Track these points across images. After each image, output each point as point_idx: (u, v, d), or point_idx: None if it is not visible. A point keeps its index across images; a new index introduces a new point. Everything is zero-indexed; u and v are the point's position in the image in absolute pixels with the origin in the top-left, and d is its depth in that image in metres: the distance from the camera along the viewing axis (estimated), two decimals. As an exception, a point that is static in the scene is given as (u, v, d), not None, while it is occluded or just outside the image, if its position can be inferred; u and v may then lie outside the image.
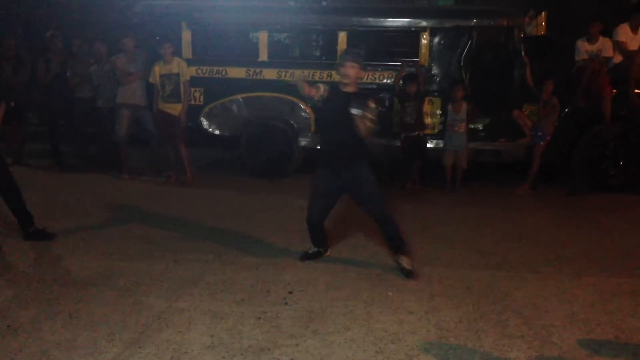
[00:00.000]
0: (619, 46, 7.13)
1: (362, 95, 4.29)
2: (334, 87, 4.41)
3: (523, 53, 7.00)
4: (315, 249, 4.76)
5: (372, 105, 4.10)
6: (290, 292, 4.10)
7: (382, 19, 7.30)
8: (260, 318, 3.70)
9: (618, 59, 7.22)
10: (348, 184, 4.41)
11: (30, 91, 8.13)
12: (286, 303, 3.93)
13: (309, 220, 4.59)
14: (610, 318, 3.77)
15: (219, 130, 7.77)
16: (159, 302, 3.89)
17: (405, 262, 4.49)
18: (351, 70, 4.20)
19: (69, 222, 5.61)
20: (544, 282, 4.36)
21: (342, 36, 7.26)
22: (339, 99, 4.24)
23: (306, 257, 4.73)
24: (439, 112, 7.30)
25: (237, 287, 4.18)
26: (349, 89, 4.27)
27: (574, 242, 5.35)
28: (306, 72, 7.17)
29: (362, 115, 4.05)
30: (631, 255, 5.00)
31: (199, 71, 7.63)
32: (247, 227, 5.61)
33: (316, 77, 7.23)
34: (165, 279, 4.30)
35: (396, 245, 4.56)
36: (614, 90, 6.94)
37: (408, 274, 4.41)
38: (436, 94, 7.32)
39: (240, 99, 7.62)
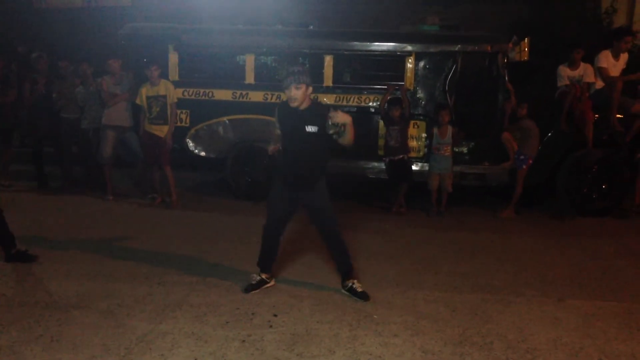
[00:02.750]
0: (600, 72, 7.24)
1: (319, 108, 4.34)
2: (285, 104, 4.36)
3: (506, 78, 7.11)
4: (258, 278, 4.58)
5: (334, 117, 4.13)
6: (275, 315, 4.08)
7: (368, 43, 7.38)
8: (244, 341, 3.67)
9: (600, 84, 7.32)
10: (305, 199, 4.41)
11: (16, 112, 8.08)
12: (271, 326, 3.91)
13: (267, 229, 4.56)
14: (594, 342, 3.79)
15: (205, 152, 7.76)
16: (142, 325, 3.85)
17: (357, 285, 4.47)
18: (296, 92, 4.18)
19: (51, 244, 5.56)
20: (529, 305, 4.37)
21: (329, 60, 7.33)
22: (294, 116, 4.27)
23: (250, 288, 4.50)
24: (424, 135, 7.36)
25: (221, 309, 4.15)
26: (303, 106, 4.26)
27: (558, 265, 5.38)
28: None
29: (326, 130, 4.17)
30: (615, 279, 5.03)
31: (186, 93, 7.64)
32: (231, 250, 5.59)
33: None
34: (149, 301, 4.26)
35: (345, 269, 4.55)
36: (596, 115, 7.06)
37: (362, 296, 4.38)
38: (421, 117, 7.38)
39: (227, 121, 7.64)
